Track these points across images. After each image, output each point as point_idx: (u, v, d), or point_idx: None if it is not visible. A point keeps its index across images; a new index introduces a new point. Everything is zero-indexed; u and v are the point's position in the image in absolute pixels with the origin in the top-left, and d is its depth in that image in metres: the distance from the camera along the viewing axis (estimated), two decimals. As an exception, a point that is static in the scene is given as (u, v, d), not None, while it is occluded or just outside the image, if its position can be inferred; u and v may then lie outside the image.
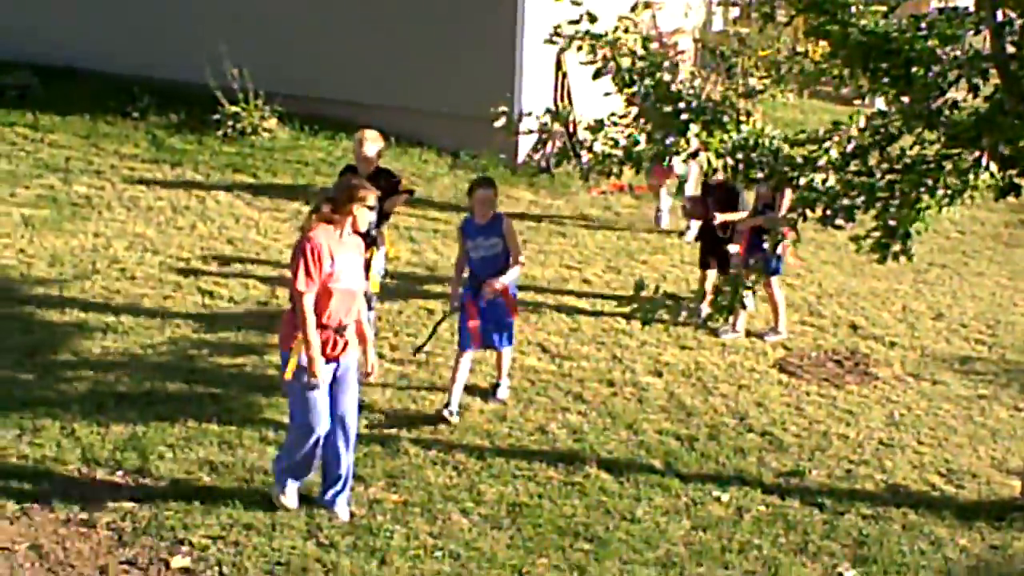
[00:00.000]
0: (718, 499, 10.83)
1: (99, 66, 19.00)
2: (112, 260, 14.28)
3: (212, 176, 16.94)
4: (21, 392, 11.49)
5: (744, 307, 11.17)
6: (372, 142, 12.46)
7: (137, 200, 16.00)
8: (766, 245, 12.59)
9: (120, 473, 10.45)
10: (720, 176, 11.88)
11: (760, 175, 10.24)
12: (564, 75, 18.12)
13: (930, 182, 10.11)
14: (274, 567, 9.34)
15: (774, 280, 13.66)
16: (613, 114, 10.59)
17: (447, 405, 11.59)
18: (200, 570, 9.31)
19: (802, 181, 10.27)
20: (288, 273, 9.93)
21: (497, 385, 12.20)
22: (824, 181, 10.23)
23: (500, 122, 11.30)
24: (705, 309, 11.78)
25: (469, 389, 11.92)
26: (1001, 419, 12.58)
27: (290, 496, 9.99)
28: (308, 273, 9.41)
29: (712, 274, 14.03)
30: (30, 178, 16.34)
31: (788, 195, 12.88)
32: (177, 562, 9.39)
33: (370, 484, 10.52)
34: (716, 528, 10.41)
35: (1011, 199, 10.58)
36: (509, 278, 11.78)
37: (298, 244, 9.59)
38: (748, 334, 13.75)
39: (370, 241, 11.52)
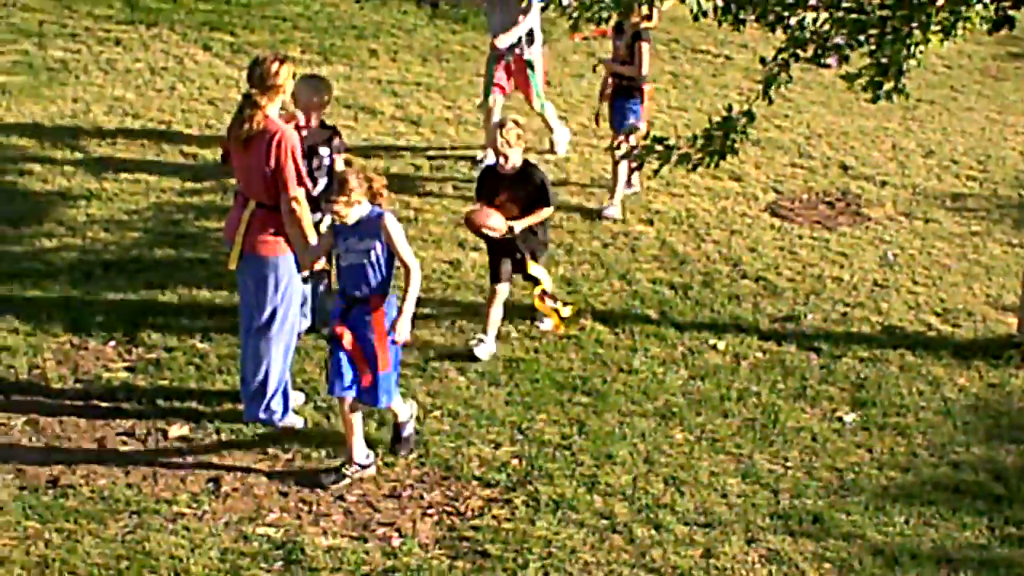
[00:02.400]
0: (714, 347, 10.79)
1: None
2: (93, 125, 14.08)
3: (189, 35, 16.68)
4: (7, 264, 11.36)
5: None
6: (312, 91, 10.13)
7: (114, 63, 15.74)
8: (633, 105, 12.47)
9: (112, 343, 10.35)
10: (513, 160, 10.36)
11: (752, 16, 10.06)
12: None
13: (923, 16, 9.98)
14: (271, 431, 9.29)
15: (631, 141, 12.29)
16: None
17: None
18: (199, 439, 9.27)
19: (792, 20, 10.11)
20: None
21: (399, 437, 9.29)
22: (815, 20, 10.09)
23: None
24: (490, 342, 10.48)
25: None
26: (995, 256, 12.55)
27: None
28: (299, 173, 9.00)
29: (506, 288, 10.65)
30: (4, 44, 16.07)
31: (646, 49, 12.56)
32: (175, 431, 9.34)
33: (365, 345, 10.42)
34: (714, 376, 10.38)
35: (1003, 33, 10.45)
36: (409, 307, 8.71)
37: (280, 142, 8.93)
38: (583, 210, 12.94)
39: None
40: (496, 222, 10.21)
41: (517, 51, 13.15)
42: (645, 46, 12.53)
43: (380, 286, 8.74)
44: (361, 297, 8.73)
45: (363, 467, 8.92)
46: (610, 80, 12.92)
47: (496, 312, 10.58)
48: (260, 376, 9.29)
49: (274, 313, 9.20)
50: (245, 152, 9.03)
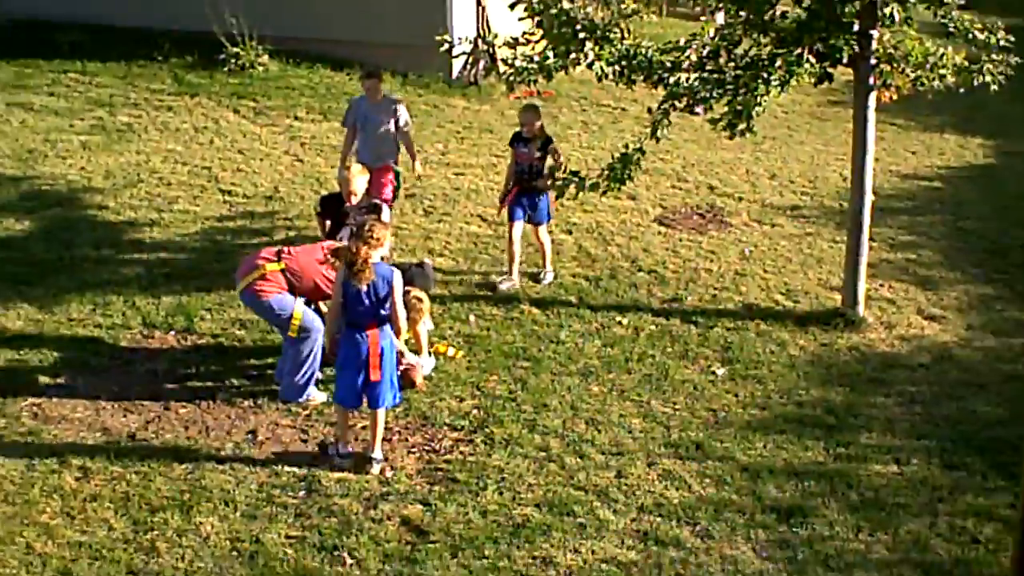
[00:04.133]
0: (620, 322, 10.81)
1: (130, 22, 18.42)
2: (152, 171, 13.95)
3: (222, 102, 16.54)
4: (91, 276, 11.25)
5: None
6: (360, 176, 10.03)
7: (167, 124, 15.61)
8: (544, 198, 11.22)
9: (172, 333, 10.28)
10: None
11: (640, 77, 10.09)
12: (483, 9, 17.80)
13: (765, 75, 10.07)
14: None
15: (542, 228, 11.50)
16: (524, 33, 10.37)
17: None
18: (239, 401, 9.22)
19: (671, 80, 10.16)
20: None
21: (369, 458, 8.46)
22: (687, 79, 10.14)
23: (444, 48, 11.03)
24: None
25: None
26: (823, 250, 12.63)
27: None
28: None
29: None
30: (83, 112, 15.90)
31: (558, 153, 11.35)
32: (222, 396, 9.29)
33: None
34: (620, 344, 10.40)
35: (824, 85, 10.57)
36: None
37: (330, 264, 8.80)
38: (525, 275, 11.53)
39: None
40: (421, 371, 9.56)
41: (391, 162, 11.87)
42: (554, 147, 11.31)
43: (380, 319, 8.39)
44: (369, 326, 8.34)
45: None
46: (512, 184, 11.35)
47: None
48: (289, 369, 9.17)
49: (286, 325, 9.03)
50: (321, 258, 8.94)
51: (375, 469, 8.39)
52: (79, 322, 10.39)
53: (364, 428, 8.71)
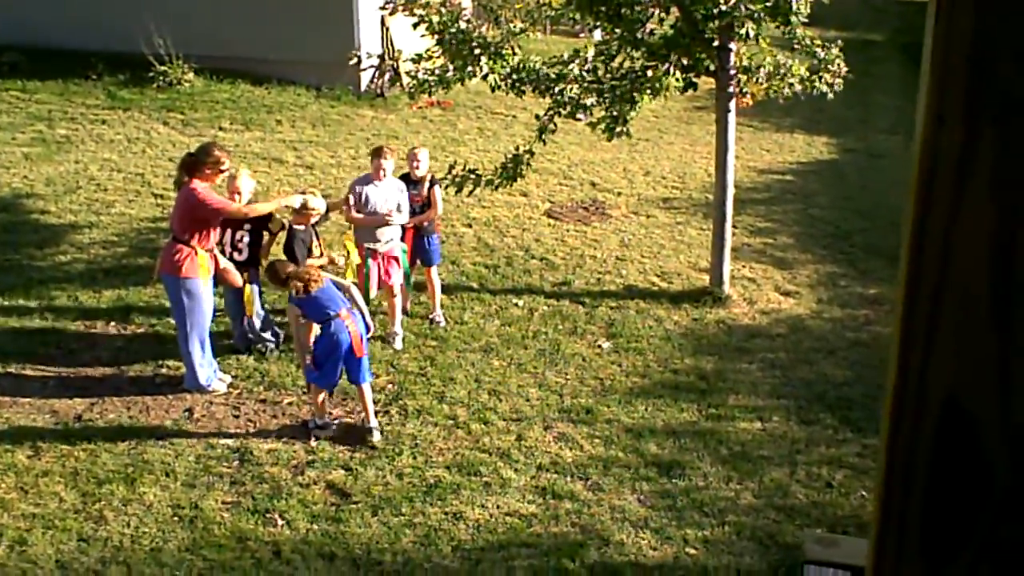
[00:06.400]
0: (516, 304, 10.85)
1: (67, 44, 17.99)
2: (90, 178, 13.66)
3: (152, 116, 16.24)
4: (36, 275, 10.99)
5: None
6: (247, 177, 9.36)
7: (102, 136, 15.29)
8: (434, 240, 10.24)
9: (112, 324, 10.09)
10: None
11: (529, 88, 10.13)
12: (387, 29, 17.69)
13: (638, 84, 10.17)
14: (231, 377, 9.14)
15: (434, 269, 10.34)
16: (428, 49, 10.35)
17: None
18: (175, 382, 9.08)
19: (556, 90, 10.22)
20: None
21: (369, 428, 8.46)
22: (571, 89, 10.20)
23: (353, 61, 10.96)
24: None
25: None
26: (692, 236, 12.77)
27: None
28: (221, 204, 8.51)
29: None
30: (25, 126, 15.49)
31: (439, 194, 10.11)
32: (159, 379, 9.15)
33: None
34: (517, 323, 10.44)
35: (690, 93, 10.70)
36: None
37: (193, 194, 8.49)
38: (416, 316, 10.46)
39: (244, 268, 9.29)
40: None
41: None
42: (438, 190, 10.13)
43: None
44: None
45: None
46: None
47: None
48: (186, 357, 8.86)
49: (181, 314, 8.72)
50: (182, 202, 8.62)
51: (375, 437, 8.32)
52: (27, 315, 10.14)
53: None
